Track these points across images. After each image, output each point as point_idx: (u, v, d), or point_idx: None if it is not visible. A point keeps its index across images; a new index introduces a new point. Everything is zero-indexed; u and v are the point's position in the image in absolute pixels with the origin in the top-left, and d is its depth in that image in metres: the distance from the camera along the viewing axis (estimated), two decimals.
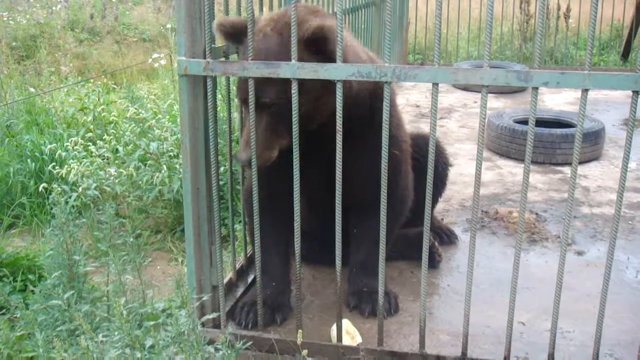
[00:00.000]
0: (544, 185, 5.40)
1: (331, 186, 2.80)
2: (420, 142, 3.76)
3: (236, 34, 2.85)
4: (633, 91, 2.34)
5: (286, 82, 2.65)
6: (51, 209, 5.29)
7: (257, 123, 2.81)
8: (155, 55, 9.54)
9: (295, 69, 2.55)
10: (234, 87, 3.65)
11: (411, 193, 3.61)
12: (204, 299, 3.03)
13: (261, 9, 3.50)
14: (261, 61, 2.60)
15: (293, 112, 2.64)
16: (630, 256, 4.09)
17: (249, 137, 2.79)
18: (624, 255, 4.09)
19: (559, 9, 10.92)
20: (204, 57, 2.74)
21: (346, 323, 3.09)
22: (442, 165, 4.10)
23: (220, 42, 3.01)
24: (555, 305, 2.68)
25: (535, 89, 2.39)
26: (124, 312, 2.47)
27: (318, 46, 2.71)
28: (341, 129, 2.61)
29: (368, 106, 3.11)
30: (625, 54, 11.19)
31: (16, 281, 4.16)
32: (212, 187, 2.96)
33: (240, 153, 2.85)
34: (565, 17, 10.97)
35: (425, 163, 2.66)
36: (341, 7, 2.49)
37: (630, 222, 4.62)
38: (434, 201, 4.16)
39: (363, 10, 6.86)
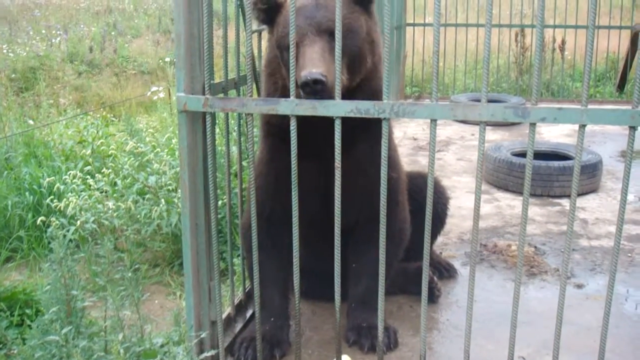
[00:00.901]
0: (542, 217, 5.40)
1: (330, 211, 2.80)
2: (419, 183, 3.72)
3: (270, 10, 2.97)
4: (630, 127, 2.35)
5: (349, 5, 2.79)
6: (49, 242, 5.28)
7: (321, 50, 2.73)
8: (154, 89, 9.59)
9: (293, 106, 2.57)
10: (232, 122, 3.67)
11: (409, 226, 3.60)
12: (202, 336, 3.01)
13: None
14: (260, 98, 2.62)
15: (292, 146, 2.65)
16: (630, 289, 4.08)
17: (314, 57, 2.68)
18: (624, 288, 4.08)
19: (554, 41, 11.01)
20: (203, 94, 2.75)
21: (345, 359, 3.08)
22: (442, 206, 4.10)
23: (218, 77, 3.03)
24: (555, 340, 2.67)
25: (533, 124, 2.40)
26: (121, 351, 2.46)
27: None
28: (340, 166, 2.61)
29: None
30: (620, 86, 11.27)
31: (13, 315, 4.14)
32: (211, 223, 2.96)
33: (308, 71, 2.60)
34: (560, 50, 11.06)
35: (425, 204, 2.66)
36: (339, 40, 2.51)
37: (629, 255, 4.61)
38: (433, 238, 4.16)
39: None
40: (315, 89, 2.56)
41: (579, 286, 4.13)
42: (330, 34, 2.73)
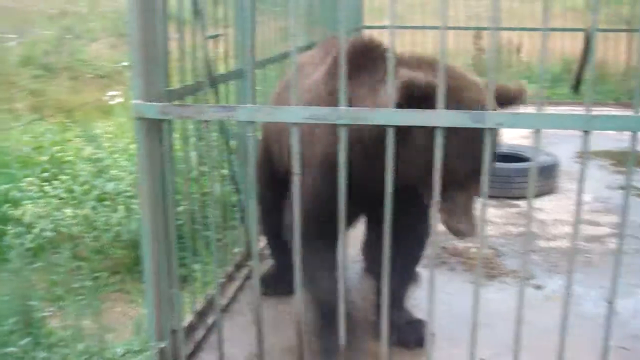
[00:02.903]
0: (501, 219, 5.45)
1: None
2: None
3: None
4: (584, 131, 2.39)
5: None
6: (5, 251, 5.19)
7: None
8: (111, 93, 9.48)
9: (252, 112, 2.55)
10: (191, 127, 3.65)
11: None
12: (162, 346, 2.98)
13: None
14: (217, 104, 2.60)
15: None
16: (588, 289, 4.14)
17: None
18: (582, 288, 4.13)
19: (512, 43, 11.14)
20: (160, 101, 2.72)
21: None
22: None
23: (175, 84, 3.00)
24: (515, 341, 2.70)
25: (490, 129, 2.42)
26: None
27: None
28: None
29: None
30: (576, 87, 11.46)
31: None
32: (170, 230, 2.93)
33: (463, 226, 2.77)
34: (517, 52, 11.20)
35: None
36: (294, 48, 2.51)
37: (587, 255, 4.68)
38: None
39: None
40: None
41: (538, 287, 4.18)
42: None
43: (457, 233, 2.82)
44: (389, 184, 2.54)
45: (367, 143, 2.88)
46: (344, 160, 2.55)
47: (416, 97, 2.56)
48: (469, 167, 2.70)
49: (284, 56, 5.08)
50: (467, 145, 2.69)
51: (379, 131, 2.61)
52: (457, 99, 2.68)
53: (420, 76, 2.62)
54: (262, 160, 4.02)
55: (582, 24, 11.79)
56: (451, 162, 2.66)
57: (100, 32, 18.05)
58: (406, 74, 2.63)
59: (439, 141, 2.44)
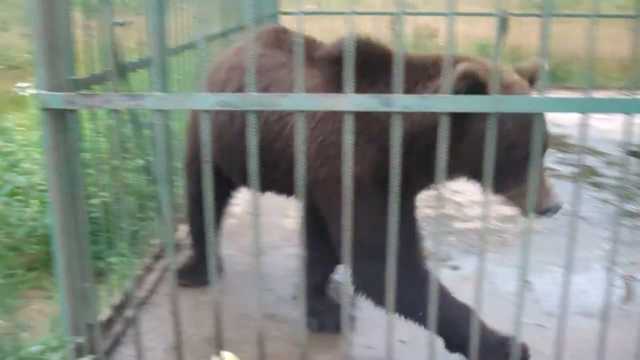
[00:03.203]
0: (419, 202, 5.50)
1: None
2: None
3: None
4: (490, 113, 2.43)
5: None
6: None
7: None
8: (21, 84, 9.18)
9: (161, 101, 2.50)
10: (103, 117, 3.57)
11: None
12: (78, 340, 2.91)
13: None
14: (126, 93, 2.53)
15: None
16: (503, 268, 4.23)
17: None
18: (496, 267, 4.22)
19: (429, 28, 11.29)
20: (65, 90, 2.64)
21: (227, 356, 3.04)
22: None
23: (83, 73, 2.92)
24: (431, 323, 2.74)
25: (399, 113, 2.43)
26: None
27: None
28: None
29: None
30: None
31: None
32: (81, 223, 2.86)
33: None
34: (433, 37, 11.36)
35: None
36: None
37: (501, 235, 4.78)
38: None
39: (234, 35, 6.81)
40: None
41: (455, 268, 4.26)
42: None
43: (544, 211, 2.89)
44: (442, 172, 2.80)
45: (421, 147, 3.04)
46: (253, 145, 2.53)
47: (473, 86, 2.66)
48: (527, 149, 2.76)
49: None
50: (523, 127, 2.77)
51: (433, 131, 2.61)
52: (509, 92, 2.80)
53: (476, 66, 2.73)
54: (190, 154, 3.97)
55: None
56: (511, 147, 2.83)
57: (11, 21, 17.48)
58: (462, 64, 2.72)
59: (347, 126, 2.44)
